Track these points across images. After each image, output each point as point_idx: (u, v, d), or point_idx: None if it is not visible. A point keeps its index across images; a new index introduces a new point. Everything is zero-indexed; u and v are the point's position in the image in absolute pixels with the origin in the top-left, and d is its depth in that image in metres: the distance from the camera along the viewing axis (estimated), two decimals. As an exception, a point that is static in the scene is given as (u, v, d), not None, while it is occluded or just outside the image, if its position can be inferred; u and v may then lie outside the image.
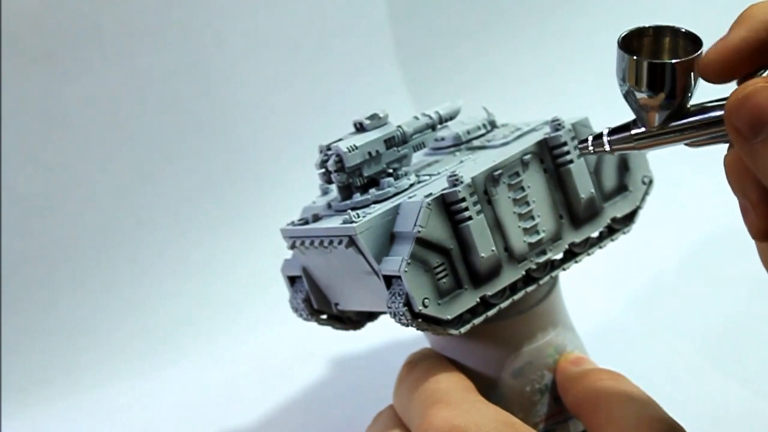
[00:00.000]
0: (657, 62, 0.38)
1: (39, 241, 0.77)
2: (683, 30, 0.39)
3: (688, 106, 0.39)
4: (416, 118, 0.54)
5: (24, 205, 0.77)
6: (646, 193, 0.53)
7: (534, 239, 0.49)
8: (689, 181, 0.77)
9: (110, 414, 0.71)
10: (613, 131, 0.41)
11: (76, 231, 0.78)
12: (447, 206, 0.46)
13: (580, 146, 0.42)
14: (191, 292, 0.79)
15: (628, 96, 0.39)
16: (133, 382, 0.74)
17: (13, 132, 0.76)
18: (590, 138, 0.41)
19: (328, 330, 0.57)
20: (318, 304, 0.54)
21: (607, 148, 0.41)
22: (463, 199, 0.46)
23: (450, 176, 0.46)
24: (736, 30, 0.38)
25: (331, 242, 0.48)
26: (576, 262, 0.51)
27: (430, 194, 0.46)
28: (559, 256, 0.51)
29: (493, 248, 0.47)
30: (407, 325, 0.46)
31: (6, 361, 0.74)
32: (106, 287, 0.78)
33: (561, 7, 0.88)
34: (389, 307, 0.46)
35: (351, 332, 0.57)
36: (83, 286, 0.77)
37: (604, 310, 0.70)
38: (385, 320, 0.54)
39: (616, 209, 0.52)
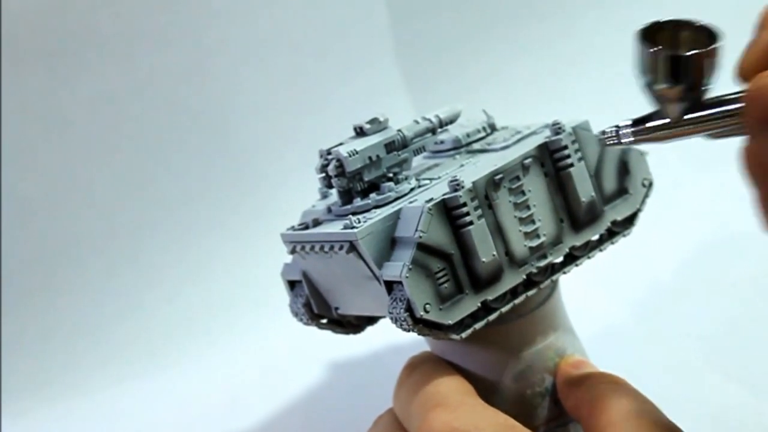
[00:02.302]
0: (676, 54, 0.38)
1: (39, 243, 0.77)
2: (701, 23, 0.39)
3: (707, 97, 0.39)
4: (416, 122, 0.54)
5: (24, 206, 0.77)
6: (646, 195, 0.53)
7: (535, 243, 0.49)
8: (689, 184, 0.77)
9: (110, 416, 0.72)
10: (633, 123, 0.41)
11: (76, 232, 0.78)
12: (448, 211, 0.46)
13: (604, 137, 0.42)
14: (191, 294, 0.79)
15: (648, 88, 0.39)
16: (133, 384, 0.74)
17: (13, 133, 0.76)
18: (612, 130, 0.41)
19: (327, 334, 0.57)
20: (318, 308, 0.54)
21: (630, 139, 0.41)
22: (464, 204, 0.46)
23: (451, 181, 0.46)
24: (765, 30, 0.38)
25: (331, 247, 0.47)
26: (576, 265, 0.51)
27: (431, 199, 0.46)
28: (560, 259, 0.51)
29: (494, 253, 0.47)
30: (408, 331, 0.46)
31: (6, 362, 0.74)
32: (106, 289, 0.78)
33: (560, 10, 0.88)
34: (390, 313, 0.46)
35: (351, 336, 0.57)
36: (83, 288, 0.77)
37: (604, 313, 0.70)
38: (384, 324, 0.54)
39: (617, 212, 0.52)
